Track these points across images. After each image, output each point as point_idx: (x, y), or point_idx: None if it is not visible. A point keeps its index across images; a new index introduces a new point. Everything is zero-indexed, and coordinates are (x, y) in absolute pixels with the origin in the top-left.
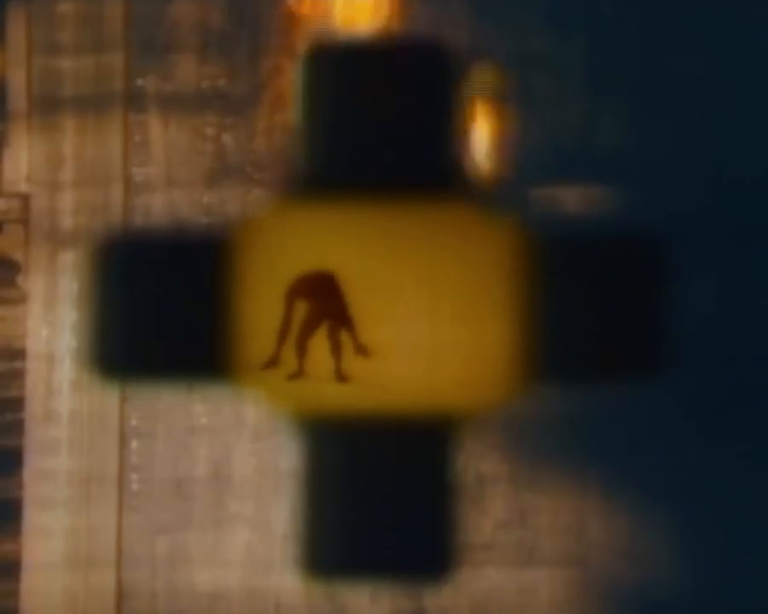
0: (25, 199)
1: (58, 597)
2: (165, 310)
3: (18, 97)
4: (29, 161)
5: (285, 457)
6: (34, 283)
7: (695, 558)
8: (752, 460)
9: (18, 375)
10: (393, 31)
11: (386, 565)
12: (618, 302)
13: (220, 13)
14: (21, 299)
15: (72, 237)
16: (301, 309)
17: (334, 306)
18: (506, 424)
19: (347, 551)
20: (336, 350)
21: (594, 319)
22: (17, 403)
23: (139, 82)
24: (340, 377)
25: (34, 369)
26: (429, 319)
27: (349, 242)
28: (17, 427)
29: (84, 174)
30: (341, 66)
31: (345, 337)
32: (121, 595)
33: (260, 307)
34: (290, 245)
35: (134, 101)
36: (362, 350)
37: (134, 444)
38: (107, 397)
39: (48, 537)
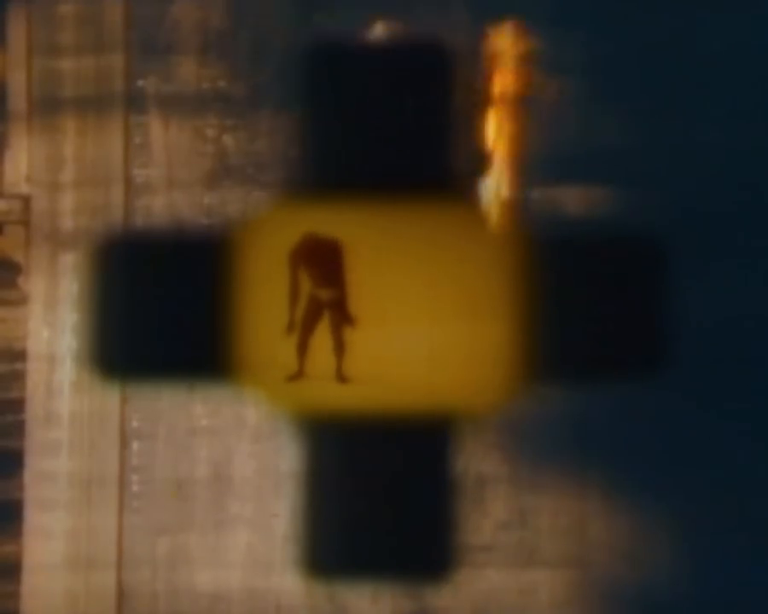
0: (25, 200)
1: (59, 598)
2: (165, 311)
3: (18, 98)
4: (29, 162)
5: (286, 458)
6: (35, 284)
7: (696, 559)
8: (753, 460)
9: (18, 377)
10: (394, 31)
11: (387, 566)
12: (618, 302)
13: (221, 14)
14: (22, 301)
15: (72, 238)
16: (303, 276)
17: (333, 273)
18: (506, 424)
19: (348, 551)
20: (339, 348)
21: (594, 319)
22: (18, 405)
23: (140, 83)
24: (341, 377)
25: (35, 371)
26: (429, 319)
27: (349, 242)
28: (18, 429)
29: (85, 175)
30: (341, 66)
31: (348, 335)
32: (122, 596)
33: (260, 307)
34: (290, 245)
35: (134, 102)
36: (350, 321)
37: (135, 446)
38: (108, 399)
39: (48, 538)
